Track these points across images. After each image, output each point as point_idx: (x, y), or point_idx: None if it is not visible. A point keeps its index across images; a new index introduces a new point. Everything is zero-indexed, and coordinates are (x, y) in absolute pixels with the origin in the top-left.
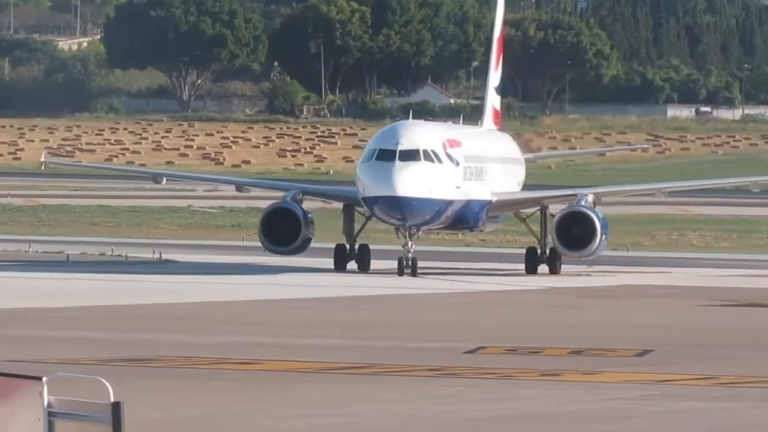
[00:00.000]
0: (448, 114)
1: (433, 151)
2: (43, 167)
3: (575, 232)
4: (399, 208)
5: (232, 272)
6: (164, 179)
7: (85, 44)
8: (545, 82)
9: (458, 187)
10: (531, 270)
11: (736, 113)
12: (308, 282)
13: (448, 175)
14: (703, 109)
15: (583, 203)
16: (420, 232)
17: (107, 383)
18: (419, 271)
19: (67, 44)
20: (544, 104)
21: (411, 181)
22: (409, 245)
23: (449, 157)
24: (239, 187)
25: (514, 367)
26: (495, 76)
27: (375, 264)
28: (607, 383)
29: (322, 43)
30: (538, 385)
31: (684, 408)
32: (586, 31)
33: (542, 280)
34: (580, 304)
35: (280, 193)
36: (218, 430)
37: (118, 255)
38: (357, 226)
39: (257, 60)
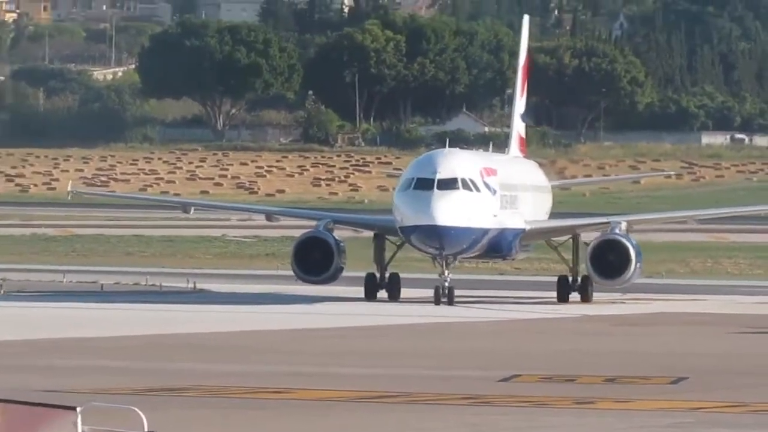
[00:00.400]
0: (482, 142)
1: (471, 180)
2: (69, 197)
3: (609, 260)
4: (438, 237)
5: (266, 301)
6: (192, 209)
7: (119, 74)
8: (580, 110)
9: (495, 216)
10: (563, 298)
11: None
12: (341, 311)
13: (486, 204)
14: (738, 136)
15: (617, 231)
16: (456, 261)
17: (141, 413)
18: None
19: (101, 74)
20: (578, 132)
21: (450, 210)
22: (446, 274)
23: (486, 185)
24: (269, 217)
25: (548, 395)
26: (520, 103)
27: (409, 292)
28: (640, 411)
29: (357, 71)
30: (571, 412)
31: None
32: (620, 58)
33: (575, 308)
34: (614, 332)
35: (311, 222)
36: None
37: (153, 285)
38: (388, 255)
39: (292, 89)
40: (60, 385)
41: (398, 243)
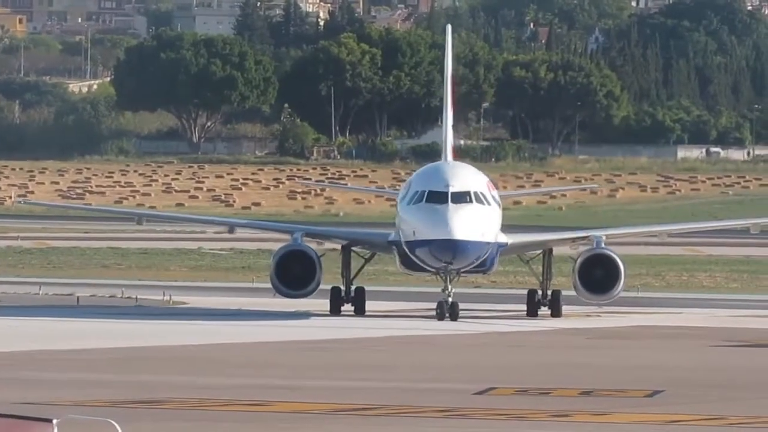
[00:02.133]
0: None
1: (482, 193)
2: (13, 207)
3: (597, 275)
4: (453, 251)
5: (241, 314)
6: (144, 220)
7: (95, 87)
8: (555, 123)
9: (499, 230)
10: (532, 313)
11: (747, 153)
12: (315, 324)
13: (495, 218)
14: (714, 149)
15: (603, 246)
16: (458, 276)
17: (117, 425)
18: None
19: (77, 87)
20: (554, 145)
21: (465, 224)
22: (449, 289)
23: (493, 198)
24: (231, 229)
25: (524, 408)
26: (450, 114)
27: (373, 305)
28: (617, 424)
29: (333, 84)
30: (548, 426)
31: None
32: (596, 72)
33: (550, 321)
34: (590, 345)
35: (275, 235)
36: None
37: (129, 297)
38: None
39: (267, 102)
40: (36, 397)
41: (366, 256)
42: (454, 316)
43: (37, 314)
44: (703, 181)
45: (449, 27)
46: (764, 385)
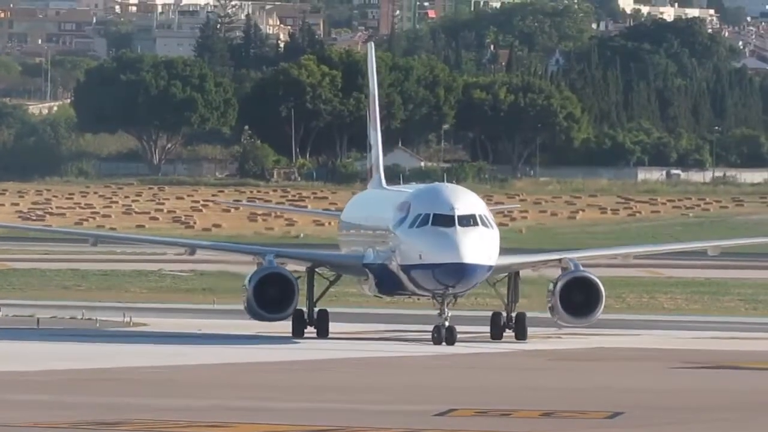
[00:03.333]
0: (418, 177)
1: (485, 216)
2: None
3: (578, 298)
4: (462, 275)
5: (202, 336)
6: (98, 242)
7: (55, 108)
8: (516, 145)
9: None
10: (496, 335)
11: (707, 176)
12: (277, 345)
13: (496, 241)
14: (674, 171)
15: (581, 268)
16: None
17: None
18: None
19: (37, 108)
20: (514, 167)
21: (474, 248)
22: (447, 313)
23: (493, 221)
24: (192, 251)
25: (484, 430)
26: (379, 135)
27: (334, 327)
28: None
29: (293, 106)
30: None
31: None
32: (556, 94)
33: (511, 343)
34: (551, 366)
35: (240, 257)
36: None
37: (89, 319)
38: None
39: (227, 124)
40: None
41: (331, 278)
42: (451, 341)
43: None
44: (664, 203)
45: (371, 45)
46: (723, 406)
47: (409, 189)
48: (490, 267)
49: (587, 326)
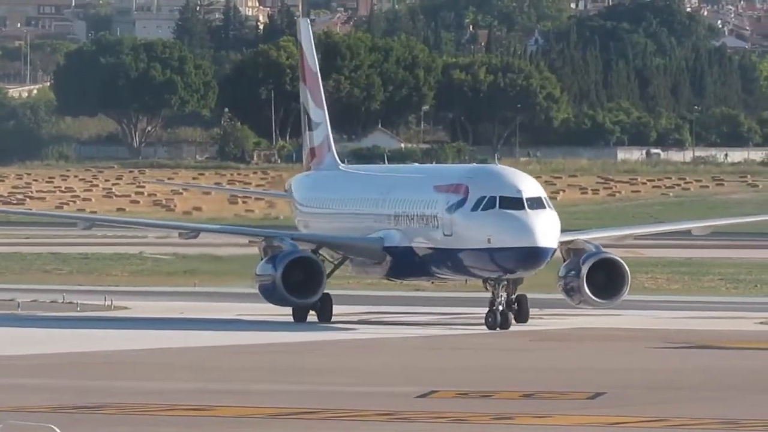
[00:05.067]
0: (398, 158)
1: (547, 199)
2: None
3: (601, 280)
4: (535, 258)
5: (186, 319)
6: (92, 226)
7: (35, 92)
8: (495, 126)
9: None
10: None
11: (687, 155)
12: (265, 327)
13: (558, 223)
14: (654, 151)
15: (603, 249)
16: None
17: (58, 430)
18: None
19: (17, 92)
20: (494, 148)
21: (546, 231)
22: (502, 298)
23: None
24: (183, 234)
25: (466, 411)
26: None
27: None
28: (559, 426)
29: (273, 88)
30: (490, 428)
31: None
32: (536, 74)
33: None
34: (533, 347)
35: (236, 238)
36: None
37: (70, 302)
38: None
39: (207, 106)
40: None
41: (336, 262)
42: (505, 325)
43: None
44: (644, 183)
45: (306, 21)
46: (704, 386)
47: (412, 169)
48: (555, 250)
49: (612, 308)
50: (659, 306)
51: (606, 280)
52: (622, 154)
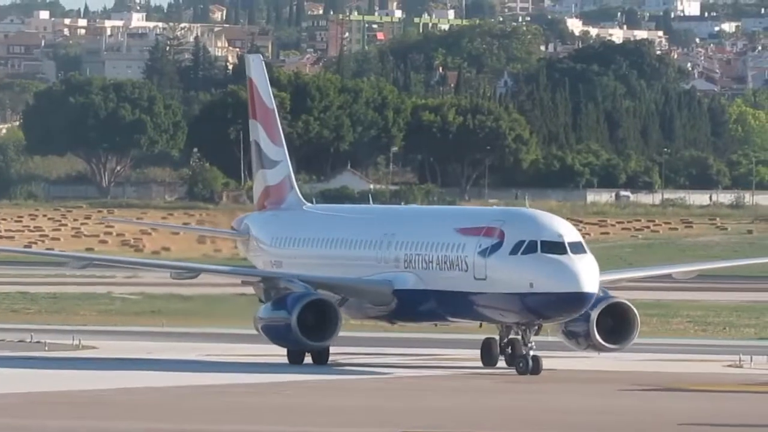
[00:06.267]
0: (366, 200)
1: (585, 243)
2: None
3: (610, 324)
4: (580, 304)
5: (155, 359)
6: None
7: (3, 131)
8: (464, 167)
9: None
10: (490, 363)
11: (656, 197)
12: (229, 368)
13: (597, 268)
14: (623, 193)
15: (609, 293)
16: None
17: None
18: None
19: None
20: (463, 189)
21: (590, 276)
22: (532, 342)
23: None
24: (193, 275)
25: None
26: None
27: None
28: None
29: (241, 128)
30: None
31: None
32: (505, 116)
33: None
34: (503, 389)
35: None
36: None
37: (37, 341)
38: None
39: (176, 146)
40: None
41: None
42: (536, 370)
43: None
44: (613, 225)
45: (257, 57)
46: (673, 429)
47: (394, 210)
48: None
49: (622, 351)
50: (629, 348)
51: (613, 324)
52: (591, 196)
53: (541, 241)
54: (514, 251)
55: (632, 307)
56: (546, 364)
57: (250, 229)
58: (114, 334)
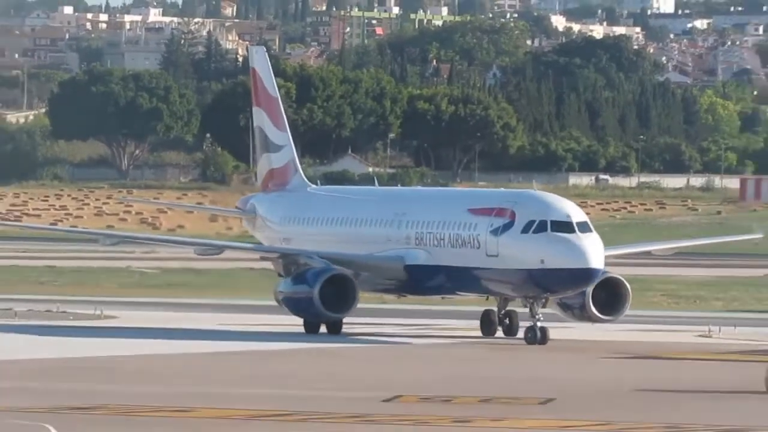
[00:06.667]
0: (367, 181)
1: (590, 223)
2: None
3: (603, 297)
4: (588, 279)
5: (168, 329)
6: (118, 242)
7: (31, 117)
8: (456, 153)
9: None
10: (489, 332)
11: (633, 181)
12: (240, 337)
13: (602, 245)
14: (602, 177)
15: (604, 269)
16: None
17: (52, 429)
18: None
19: (14, 117)
20: (455, 173)
21: (596, 253)
22: (539, 314)
23: None
24: (218, 252)
25: (428, 414)
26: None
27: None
28: (512, 429)
29: (250, 116)
30: (450, 430)
31: None
32: (494, 105)
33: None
34: (490, 357)
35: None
36: None
37: (63, 312)
38: None
39: (190, 132)
40: None
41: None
42: (544, 340)
43: None
44: (593, 206)
45: (261, 49)
46: (648, 393)
47: (417, 191)
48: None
49: (614, 322)
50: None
51: (606, 297)
52: (573, 180)
53: (551, 221)
54: (525, 230)
55: (624, 281)
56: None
57: (256, 209)
58: (133, 305)
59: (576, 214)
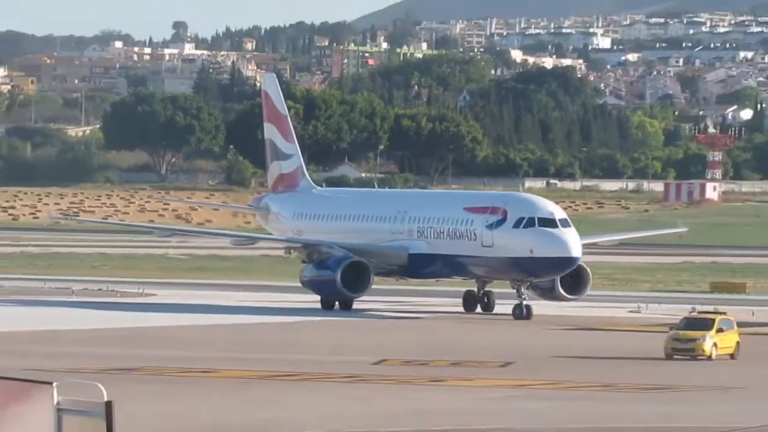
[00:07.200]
0: (360, 184)
1: (569, 219)
2: (47, 221)
3: (568, 279)
4: (569, 265)
5: (199, 305)
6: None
7: (88, 132)
8: (433, 161)
9: None
10: (470, 310)
11: (577, 184)
12: (257, 311)
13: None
14: (552, 181)
15: None
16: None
17: (102, 387)
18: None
19: (74, 132)
20: (432, 178)
21: (576, 244)
22: (525, 295)
23: None
24: (252, 242)
25: (409, 375)
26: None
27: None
28: (479, 387)
29: (261, 130)
30: (427, 388)
31: (537, 406)
32: (464, 123)
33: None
34: (458, 327)
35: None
36: (192, 422)
37: (112, 290)
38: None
39: (217, 144)
40: (38, 365)
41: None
42: (529, 316)
43: (40, 303)
44: None
45: (272, 76)
46: (587, 359)
47: (411, 193)
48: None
49: (578, 301)
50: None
51: (571, 280)
52: (528, 183)
53: (538, 218)
54: (516, 225)
55: (586, 267)
56: (502, 309)
57: (270, 206)
58: (169, 285)
59: (557, 212)
